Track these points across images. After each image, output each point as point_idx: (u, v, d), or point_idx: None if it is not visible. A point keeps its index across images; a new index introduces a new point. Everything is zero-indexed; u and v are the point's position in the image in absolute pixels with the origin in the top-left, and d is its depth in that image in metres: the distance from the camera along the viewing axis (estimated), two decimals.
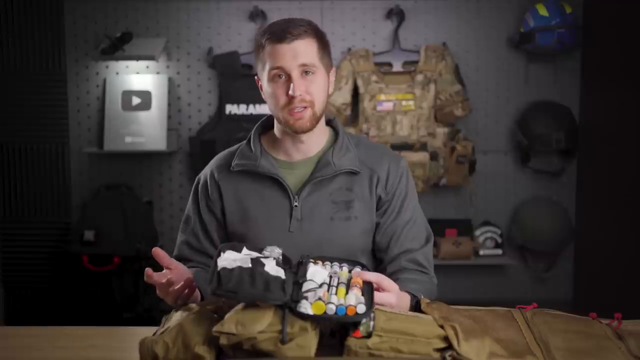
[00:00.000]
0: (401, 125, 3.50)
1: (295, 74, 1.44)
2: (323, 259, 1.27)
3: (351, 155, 1.54)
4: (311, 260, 1.24)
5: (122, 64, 3.65)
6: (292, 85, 1.43)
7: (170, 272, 1.34)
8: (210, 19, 3.66)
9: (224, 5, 3.65)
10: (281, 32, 1.44)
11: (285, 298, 1.10)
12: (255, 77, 1.54)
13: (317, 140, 1.55)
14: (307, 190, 1.51)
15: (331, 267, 1.24)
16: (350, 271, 1.23)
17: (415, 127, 3.50)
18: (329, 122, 1.61)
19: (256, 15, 3.59)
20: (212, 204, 1.58)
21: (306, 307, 1.10)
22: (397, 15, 3.62)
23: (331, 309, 1.10)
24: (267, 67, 1.46)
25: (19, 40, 3.58)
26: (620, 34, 3.32)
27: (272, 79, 1.46)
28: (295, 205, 1.51)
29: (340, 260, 1.27)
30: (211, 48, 3.63)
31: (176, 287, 1.32)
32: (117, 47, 3.49)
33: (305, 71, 1.45)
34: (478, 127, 3.72)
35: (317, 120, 1.49)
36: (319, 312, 1.09)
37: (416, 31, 3.67)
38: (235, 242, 1.31)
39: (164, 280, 1.31)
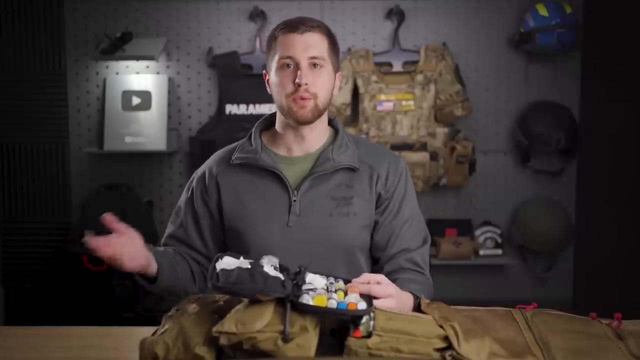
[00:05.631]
0: (401, 125, 3.50)
1: (304, 64, 1.46)
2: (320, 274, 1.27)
3: (350, 152, 1.55)
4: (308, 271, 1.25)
5: (122, 64, 3.65)
6: (299, 73, 1.45)
7: (120, 237, 1.37)
8: (210, 19, 3.66)
9: (224, 5, 3.65)
10: (294, 23, 1.48)
11: (286, 291, 1.10)
12: (263, 72, 1.56)
13: (317, 136, 1.56)
14: (306, 185, 1.51)
15: (327, 279, 1.24)
16: (346, 283, 1.24)
17: (415, 127, 3.50)
18: (330, 122, 1.62)
19: (256, 15, 3.58)
20: (207, 197, 1.57)
21: (308, 300, 1.11)
22: (397, 15, 3.61)
23: (332, 303, 1.11)
24: (277, 56, 1.48)
25: (19, 40, 3.58)
26: (620, 34, 3.32)
27: (280, 67, 1.48)
28: (294, 200, 1.51)
29: (336, 278, 1.27)
30: (211, 48, 3.63)
31: (107, 255, 1.33)
32: (117, 47, 3.49)
33: (314, 64, 1.47)
34: (478, 127, 3.72)
35: (319, 114, 1.50)
36: (321, 305, 1.10)
37: (416, 31, 3.67)
38: (232, 253, 1.28)
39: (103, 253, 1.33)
